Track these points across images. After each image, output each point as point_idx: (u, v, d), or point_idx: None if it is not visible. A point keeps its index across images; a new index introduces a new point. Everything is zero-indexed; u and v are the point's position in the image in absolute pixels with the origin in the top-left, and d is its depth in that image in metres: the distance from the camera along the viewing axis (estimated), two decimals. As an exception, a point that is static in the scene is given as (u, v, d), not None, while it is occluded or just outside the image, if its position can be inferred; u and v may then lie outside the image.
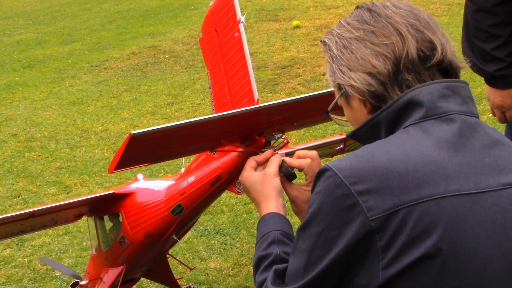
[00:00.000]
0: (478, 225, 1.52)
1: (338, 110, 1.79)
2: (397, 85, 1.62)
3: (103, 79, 9.66)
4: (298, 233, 1.63)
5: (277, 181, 1.96)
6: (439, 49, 1.62)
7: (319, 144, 3.23)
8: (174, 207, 2.83)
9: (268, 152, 2.06)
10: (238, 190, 2.49)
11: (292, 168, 1.99)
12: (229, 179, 2.53)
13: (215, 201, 3.68)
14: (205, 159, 2.69)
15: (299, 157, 1.99)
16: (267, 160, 2.04)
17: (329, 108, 1.80)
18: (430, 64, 1.62)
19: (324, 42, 1.73)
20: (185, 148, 2.24)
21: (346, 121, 1.77)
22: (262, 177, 1.97)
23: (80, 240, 5.13)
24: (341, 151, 3.28)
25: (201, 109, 7.91)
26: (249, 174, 2.00)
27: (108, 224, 3.40)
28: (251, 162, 2.04)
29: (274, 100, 8.88)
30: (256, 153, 2.18)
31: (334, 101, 1.75)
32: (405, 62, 1.61)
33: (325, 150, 3.32)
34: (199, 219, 4.52)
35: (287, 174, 1.99)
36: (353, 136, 1.70)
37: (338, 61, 1.68)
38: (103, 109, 8.31)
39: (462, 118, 1.61)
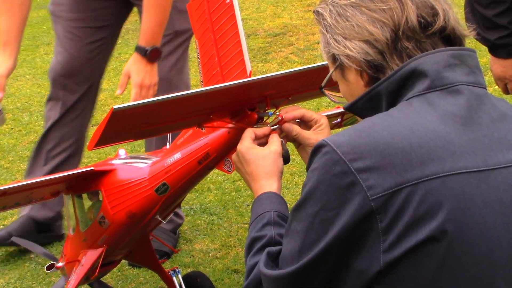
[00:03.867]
0: (486, 204, 1.53)
1: (333, 86, 1.78)
2: (396, 54, 1.62)
3: (80, 46, 9.56)
4: (292, 213, 1.63)
5: (281, 161, 1.98)
6: (441, 15, 1.63)
7: (313, 119, 3.22)
8: (159, 185, 2.83)
9: (266, 129, 2.06)
10: (228, 169, 2.48)
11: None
12: (218, 156, 2.51)
13: (202, 179, 3.69)
14: (192, 135, 2.67)
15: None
16: (264, 136, 2.05)
17: (323, 84, 1.81)
18: (432, 31, 1.63)
19: (317, 12, 1.73)
20: (172, 123, 2.24)
21: (342, 97, 1.77)
22: (267, 153, 1.98)
23: (56, 219, 5.11)
24: (338, 126, 3.27)
25: (186, 79, 7.87)
26: (251, 145, 2.00)
27: (87, 203, 3.39)
28: (250, 133, 2.04)
29: (265, 70, 8.67)
30: None
31: (328, 75, 1.75)
32: (405, 29, 1.62)
33: (321, 123, 3.32)
34: (185, 198, 4.51)
35: (284, 157, 2.00)
36: (350, 108, 1.70)
37: (332, 30, 1.68)
38: (80, 78, 8.24)
39: (470, 89, 1.61)
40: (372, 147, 1.50)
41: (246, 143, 2.00)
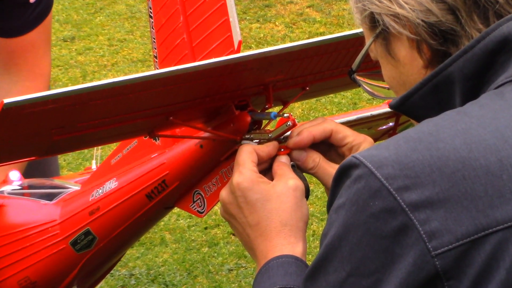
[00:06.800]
0: None
1: (373, 71, 1.84)
2: (478, 13, 1.68)
3: None
4: (304, 283, 1.67)
5: (306, 205, 2.01)
6: None
7: (350, 121, 3.25)
8: (78, 235, 2.84)
9: (272, 145, 2.10)
10: (199, 209, 2.50)
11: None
12: (182, 186, 2.55)
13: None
14: (136, 149, 2.71)
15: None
16: (269, 158, 2.09)
17: (354, 66, 1.86)
18: None
19: None
20: (104, 129, 2.24)
21: (386, 88, 1.84)
22: (284, 190, 2.01)
23: None
24: (390, 133, 3.32)
25: (126, 50, 7.93)
26: (257, 177, 2.03)
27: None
28: (251, 154, 2.07)
29: (263, 35, 8.77)
30: (234, 141, 2.18)
31: (364, 49, 1.81)
32: None
33: (362, 130, 3.35)
34: (122, 257, 4.54)
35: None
36: (401, 105, 1.74)
37: None
38: None
39: None
40: (436, 167, 1.55)
41: (249, 172, 2.02)
